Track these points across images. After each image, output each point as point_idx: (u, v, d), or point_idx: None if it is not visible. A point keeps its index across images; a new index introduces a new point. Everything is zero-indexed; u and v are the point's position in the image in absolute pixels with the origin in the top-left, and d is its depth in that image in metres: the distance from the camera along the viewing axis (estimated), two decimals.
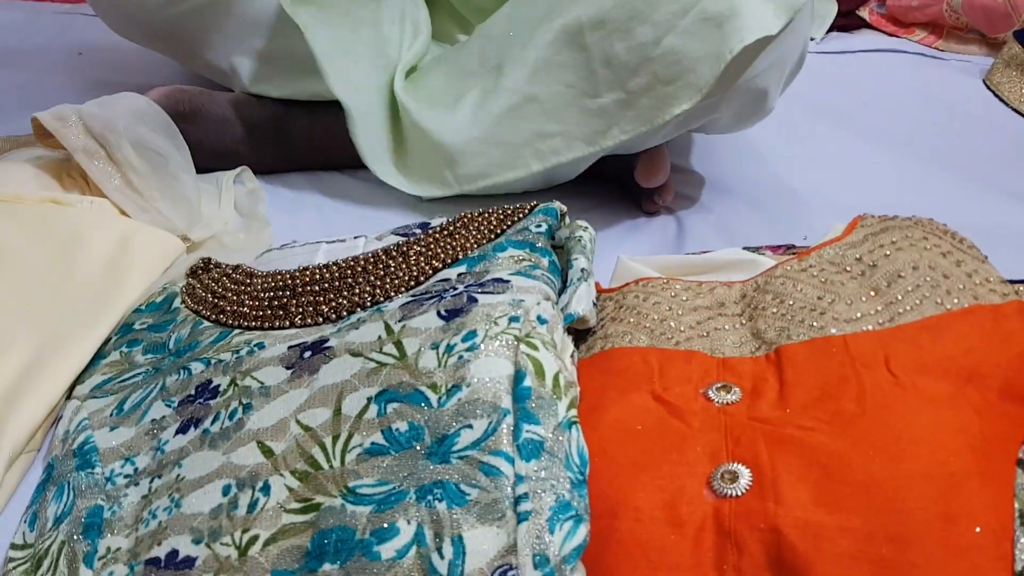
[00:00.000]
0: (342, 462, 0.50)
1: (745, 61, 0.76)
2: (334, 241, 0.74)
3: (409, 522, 0.46)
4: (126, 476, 0.57)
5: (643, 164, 0.89)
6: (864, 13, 1.57)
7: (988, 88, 1.33)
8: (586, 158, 0.86)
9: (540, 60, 0.84)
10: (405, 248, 0.68)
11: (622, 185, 0.95)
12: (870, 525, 0.44)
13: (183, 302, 0.72)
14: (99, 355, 0.69)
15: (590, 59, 0.81)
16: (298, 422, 0.53)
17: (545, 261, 0.62)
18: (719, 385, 0.55)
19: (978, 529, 0.43)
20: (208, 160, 0.95)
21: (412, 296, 0.61)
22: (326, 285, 0.66)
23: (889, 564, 0.42)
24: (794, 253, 0.70)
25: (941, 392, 0.51)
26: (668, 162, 0.90)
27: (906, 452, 0.47)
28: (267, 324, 0.64)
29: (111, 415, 0.62)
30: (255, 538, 0.49)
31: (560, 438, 0.48)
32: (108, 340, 0.71)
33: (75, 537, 0.54)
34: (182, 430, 0.57)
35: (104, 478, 0.57)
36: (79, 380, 0.67)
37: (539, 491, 0.45)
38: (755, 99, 0.84)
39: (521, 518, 0.44)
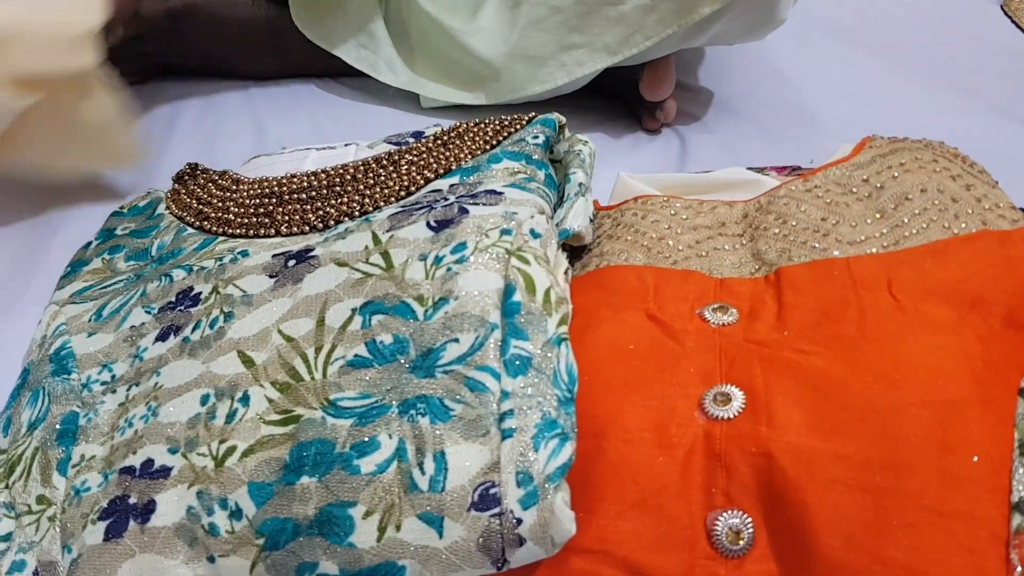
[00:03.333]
0: (324, 374, 0.49)
1: None
2: (323, 148, 0.72)
3: (391, 436, 0.44)
4: (103, 383, 0.55)
5: (649, 76, 0.87)
6: None
7: (1005, 14, 1.30)
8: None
9: None
10: (397, 157, 0.65)
11: (624, 99, 0.93)
12: (865, 452, 0.42)
13: (168, 208, 0.70)
14: (81, 262, 0.68)
15: None
16: (280, 332, 0.52)
17: (541, 174, 0.60)
18: (716, 306, 0.53)
19: (976, 459, 0.42)
20: (199, 61, 0.92)
21: (402, 206, 0.59)
22: (313, 193, 0.64)
23: (883, 492, 0.41)
24: (799, 174, 0.67)
25: (944, 318, 0.49)
26: (674, 74, 0.88)
27: (905, 378, 0.45)
28: (252, 232, 0.62)
29: (89, 320, 0.60)
30: (232, 449, 0.47)
31: (548, 355, 0.46)
32: (89, 246, 0.69)
33: (49, 443, 0.52)
34: (162, 337, 0.56)
35: (80, 384, 0.56)
36: (59, 287, 0.66)
37: (525, 408, 0.44)
38: (766, 5, 0.82)
39: (505, 435, 0.43)
